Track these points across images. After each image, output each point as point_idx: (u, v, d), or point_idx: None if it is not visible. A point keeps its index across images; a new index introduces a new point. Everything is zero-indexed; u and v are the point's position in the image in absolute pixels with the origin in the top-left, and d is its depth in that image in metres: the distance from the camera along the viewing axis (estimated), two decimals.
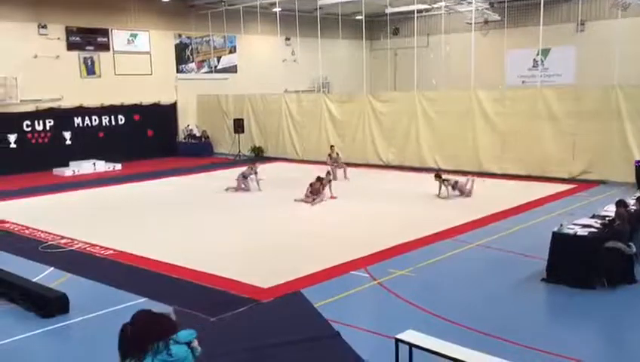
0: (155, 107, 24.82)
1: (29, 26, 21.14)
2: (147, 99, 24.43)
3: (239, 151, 23.88)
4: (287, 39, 28.37)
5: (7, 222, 13.11)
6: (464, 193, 14.69)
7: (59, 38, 21.93)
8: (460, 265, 9.57)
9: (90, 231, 11.96)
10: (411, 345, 5.72)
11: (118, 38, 23.66)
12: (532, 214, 12.84)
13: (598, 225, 8.79)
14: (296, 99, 23.44)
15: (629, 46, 19.98)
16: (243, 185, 16.22)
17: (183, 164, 22.40)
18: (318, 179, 14.84)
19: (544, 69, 25.48)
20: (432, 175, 15.32)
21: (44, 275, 9.28)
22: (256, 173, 16.34)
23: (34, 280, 8.74)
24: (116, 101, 23.50)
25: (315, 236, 11.53)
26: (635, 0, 20.33)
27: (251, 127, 24.46)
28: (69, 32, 22.23)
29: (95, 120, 23.14)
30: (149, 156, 23.78)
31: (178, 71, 25.95)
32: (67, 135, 22.37)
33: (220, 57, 27.43)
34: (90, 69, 22.97)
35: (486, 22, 26.20)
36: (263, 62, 27.89)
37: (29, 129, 21.38)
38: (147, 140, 24.57)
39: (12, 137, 20.94)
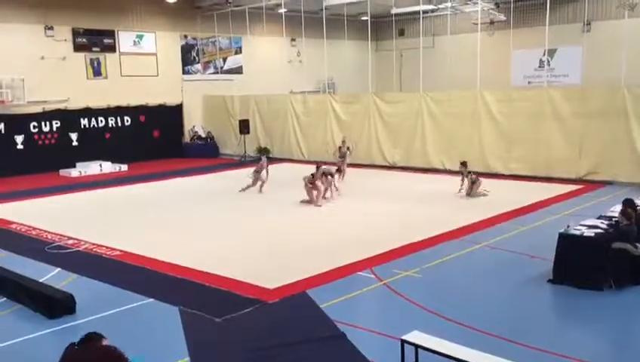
0: (161, 108, 24.88)
1: (36, 27, 21.24)
2: (153, 100, 24.50)
3: (245, 152, 23.91)
4: (293, 40, 28.42)
5: (14, 223, 13.18)
6: (471, 191, 14.69)
7: (65, 40, 22.01)
8: (466, 266, 9.55)
9: (96, 232, 11.99)
10: (417, 346, 5.71)
11: (125, 39, 23.73)
12: (538, 215, 12.81)
13: (604, 226, 8.75)
14: (301, 99, 23.46)
15: (635, 46, 19.86)
16: (259, 181, 16.26)
17: (188, 165, 22.44)
18: (312, 175, 14.81)
19: (550, 70, 25.43)
20: (458, 164, 15.28)
21: (51, 276, 9.32)
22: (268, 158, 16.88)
23: (41, 280, 8.79)
24: (122, 102, 23.59)
25: (320, 237, 11.53)
26: None
27: (257, 128, 24.48)
28: (76, 33, 22.31)
29: (101, 121, 23.21)
30: (154, 157, 23.88)
31: (184, 72, 25.99)
32: (74, 136, 22.46)
33: (226, 58, 27.47)
34: (97, 70, 23.05)
35: (492, 22, 26.11)
36: (269, 63, 27.91)
37: (36, 130, 21.47)
38: (153, 141, 24.66)
39: (19, 138, 21.05)
